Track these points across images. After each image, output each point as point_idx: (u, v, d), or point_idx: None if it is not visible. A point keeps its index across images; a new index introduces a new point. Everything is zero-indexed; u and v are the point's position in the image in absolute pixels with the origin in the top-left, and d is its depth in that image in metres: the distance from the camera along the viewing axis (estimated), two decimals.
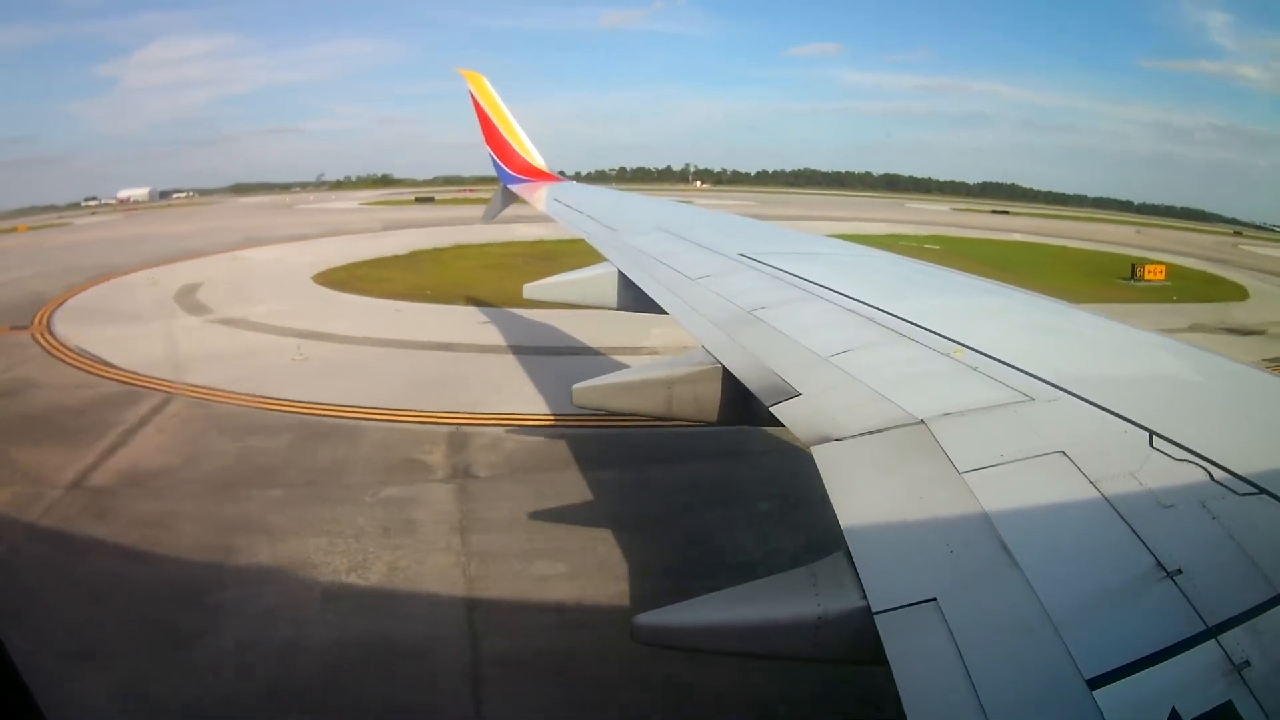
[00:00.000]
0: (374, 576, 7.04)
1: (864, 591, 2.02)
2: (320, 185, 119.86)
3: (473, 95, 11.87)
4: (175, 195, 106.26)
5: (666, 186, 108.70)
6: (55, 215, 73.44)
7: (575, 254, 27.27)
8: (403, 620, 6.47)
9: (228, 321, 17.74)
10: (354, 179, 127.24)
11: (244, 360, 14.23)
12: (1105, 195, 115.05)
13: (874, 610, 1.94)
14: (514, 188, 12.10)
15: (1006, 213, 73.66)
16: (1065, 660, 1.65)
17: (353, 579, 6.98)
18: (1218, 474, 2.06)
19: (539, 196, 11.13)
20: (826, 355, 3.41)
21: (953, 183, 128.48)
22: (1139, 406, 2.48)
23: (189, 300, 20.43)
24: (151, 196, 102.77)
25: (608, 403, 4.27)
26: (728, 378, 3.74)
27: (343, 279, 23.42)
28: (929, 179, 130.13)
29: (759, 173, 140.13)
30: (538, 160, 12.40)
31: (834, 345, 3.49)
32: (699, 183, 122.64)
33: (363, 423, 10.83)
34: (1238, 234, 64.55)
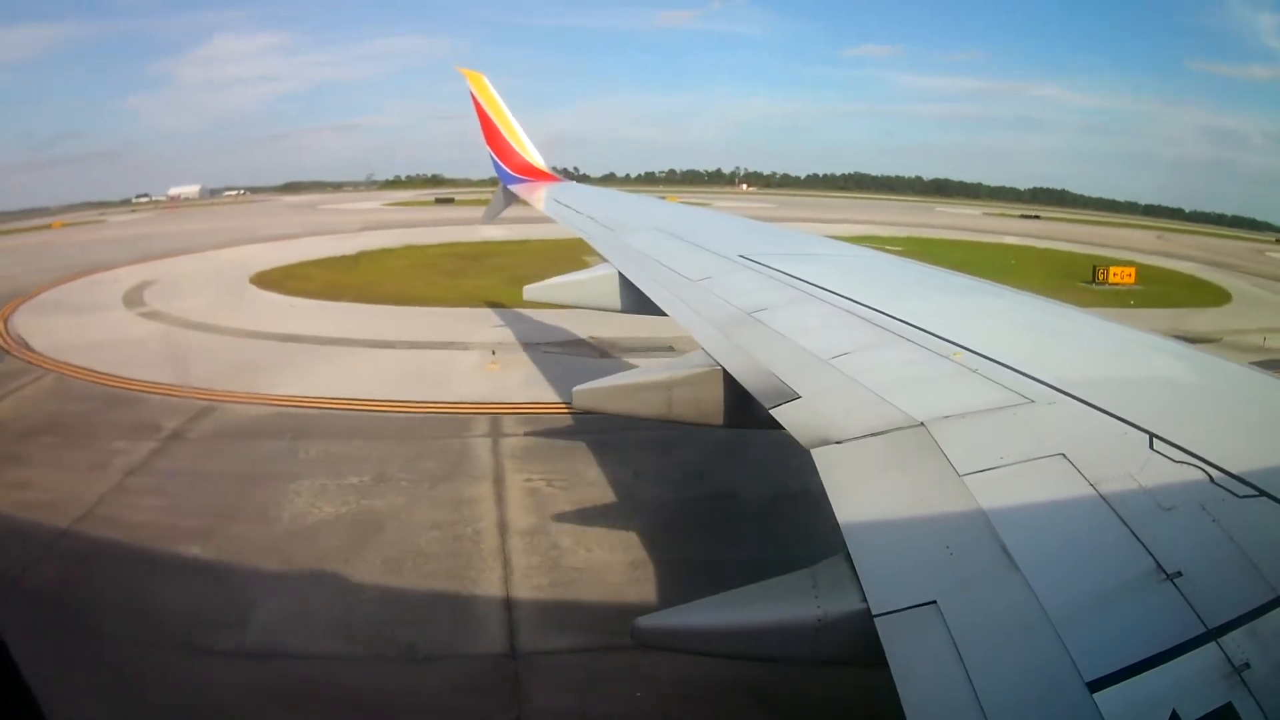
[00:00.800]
0: (35, 494, 8.74)
1: (864, 594, 2.02)
2: (370, 184, 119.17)
3: (473, 95, 11.87)
4: (226, 193, 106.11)
5: (714, 189, 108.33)
6: (98, 212, 75.62)
7: (503, 254, 27.63)
8: (34, 523, 7.98)
9: (149, 315, 19.58)
10: (404, 178, 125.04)
11: (130, 346, 15.98)
12: (1157, 202, 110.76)
13: (874, 613, 1.94)
14: (514, 188, 12.11)
15: (1038, 217, 72.15)
16: (1065, 662, 1.65)
17: (26, 494, 8.76)
18: (1218, 476, 2.06)
19: (539, 197, 11.14)
20: (826, 357, 3.41)
21: (1003, 188, 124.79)
22: (1139, 409, 2.48)
23: (133, 296, 22.11)
24: (202, 194, 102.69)
25: (607, 405, 4.27)
26: (728, 380, 3.74)
27: (275, 278, 24.73)
28: (978, 184, 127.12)
29: (809, 176, 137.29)
30: (538, 160, 12.40)
31: (834, 347, 3.49)
32: (744, 186, 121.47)
33: (153, 396, 12.43)
34: (1278, 241, 61.59)
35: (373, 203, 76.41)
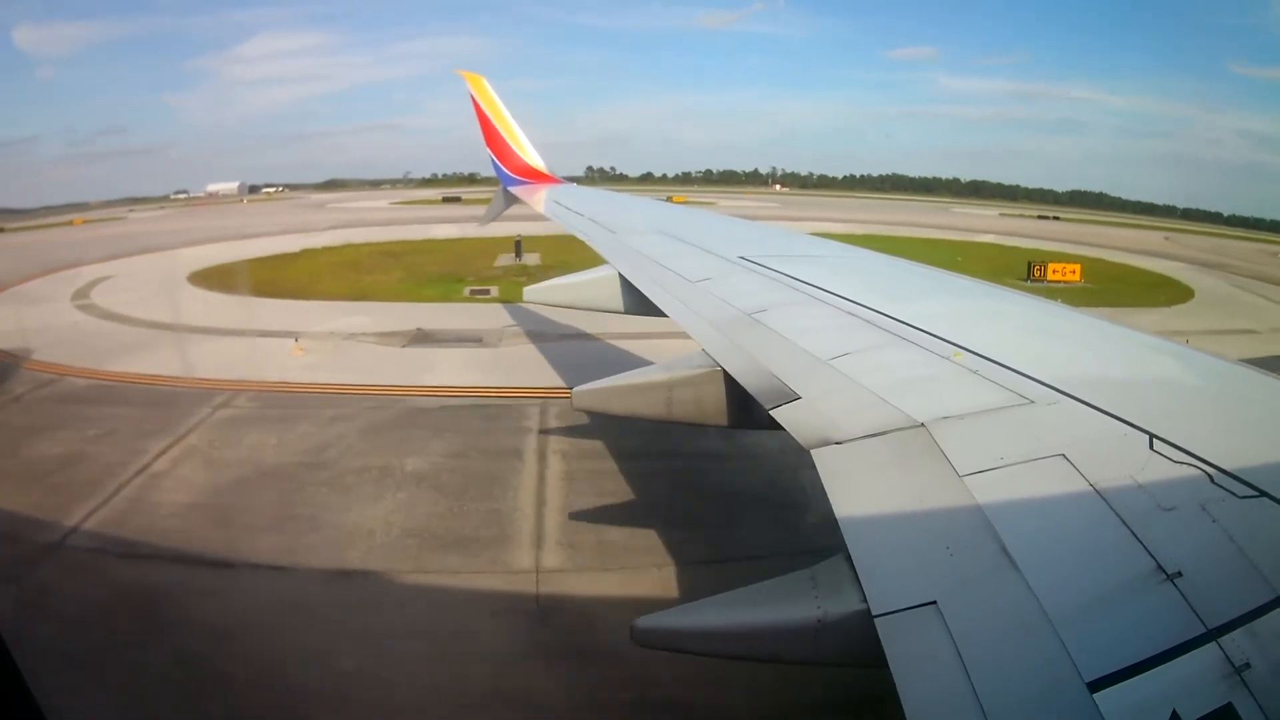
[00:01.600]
0: None
1: (864, 594, 2.02)
2: (407, 182, 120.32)
3: (473, 97, 11.88)
4: (264, 190, 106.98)
5: (749, 189, 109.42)
6: (127, 208, 78.23)
7: (425, 252, 31.26)
8: None
9: (83, 308, 21.33)
10: (440, 176, 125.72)
11: (50, 333, 17.69)
12: (1196, 205, 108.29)
13: (874, 613, 1.94)
14: (514, 190, 12.11)
15: (1056, 218, 72.10)
16: (1065, 663, 1.65)
17: None
18: (1218, 476, 2.06)
19: (539, 198, 11.15)
20: (826, 358, 3.41)
21: (1040, 190, 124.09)
22: (1139, 409, 2.48)
23: (83, 291, 23.92)
24: (241, 191, 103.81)
25: (607, 406, 4.27)
26: (728, 381, 3.74)
27: (210, 275, 26.64)
28: (1016, 186, 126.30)
29: (846, 177, 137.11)
30: (537, 162, 12.41)
31: (834, 348, 3.49)
32: (778, 186, 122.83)
33: (32, 372, 14.44)
34: None
35: (382, 201, 78.87)
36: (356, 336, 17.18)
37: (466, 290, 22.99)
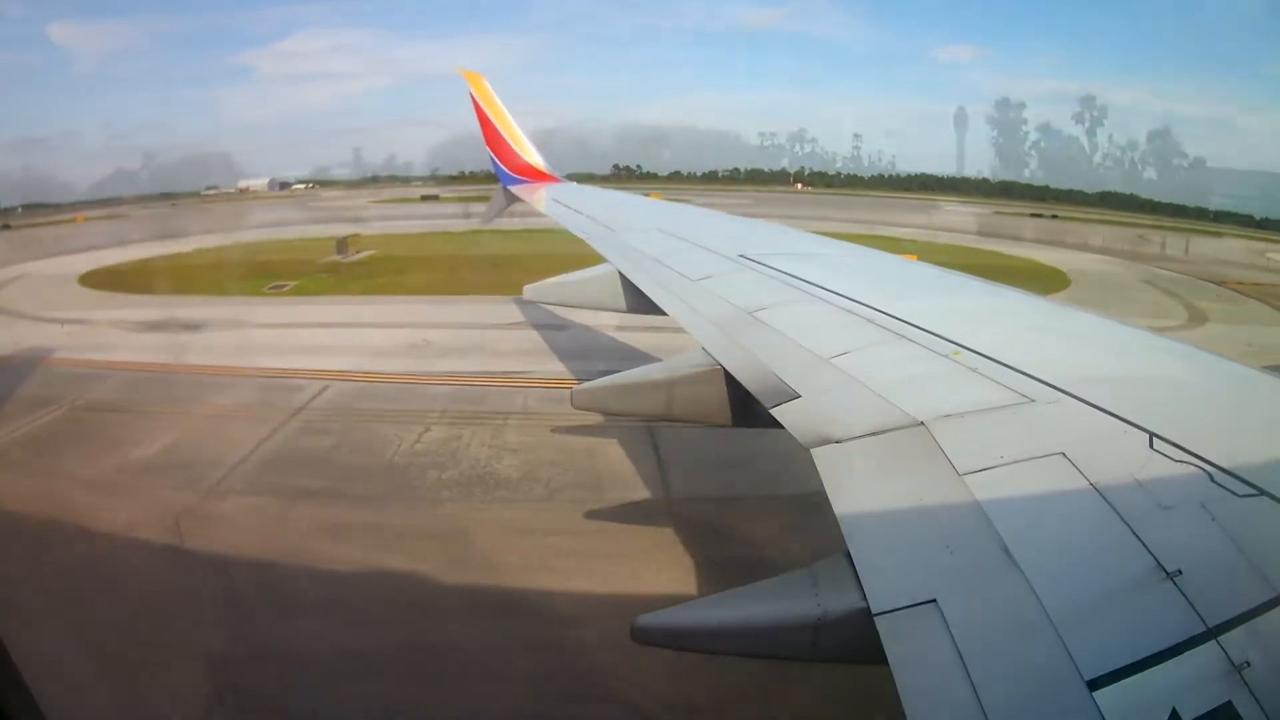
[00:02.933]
0: None
1: (864, 592, 2.02)
2: (435, 179, 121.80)
3: (472, 96, 11.86)
4: (294, 186, 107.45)
5: (775, 187, 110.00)
6: (143, 206, 78.48)
7: (278, 251, 33.06)
8: None
9: None
10: (467, 173, 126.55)
11: None
12: (1229, 209, 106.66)
13: (874, 611, 1.94)
14: (513, 188, 12.10)
15: (1055, 217, 70.91)
16: (1065, 661, 1.65)
17: None
18: (1218, 475, 2.06)
19: (539, 197, 11.14)
20: (826, 356, 3.41)
21: (1070, 191, 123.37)
22: (1139, 408, 2.48)
23: None
24: (271, 186, 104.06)
25: (607, 404, 4.27)
26: (728, 379, 3.74)
27: (98, 274, 28.04)
28: (1045, 186, 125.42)
29: (873, 176, 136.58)
30: (537, 161, 12.40)
31: (834, 346, 3.49)
32: (799, 185, 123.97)
33: None
34: None
35: (365, 199, 79.25)
36: (119, 324, 19.24)
37: (267, 287, 25.11)
